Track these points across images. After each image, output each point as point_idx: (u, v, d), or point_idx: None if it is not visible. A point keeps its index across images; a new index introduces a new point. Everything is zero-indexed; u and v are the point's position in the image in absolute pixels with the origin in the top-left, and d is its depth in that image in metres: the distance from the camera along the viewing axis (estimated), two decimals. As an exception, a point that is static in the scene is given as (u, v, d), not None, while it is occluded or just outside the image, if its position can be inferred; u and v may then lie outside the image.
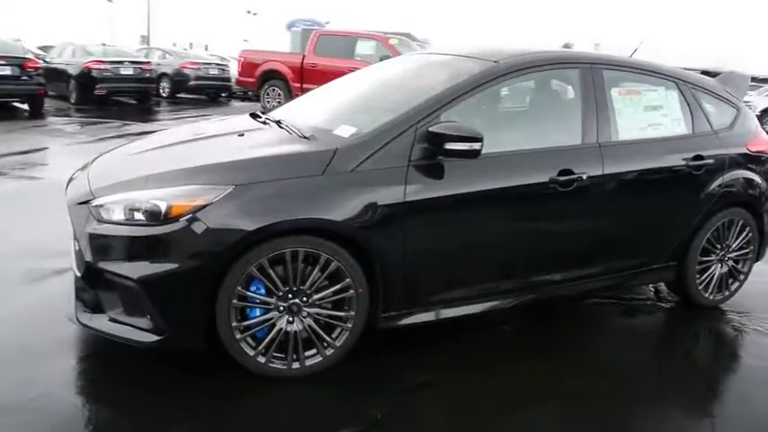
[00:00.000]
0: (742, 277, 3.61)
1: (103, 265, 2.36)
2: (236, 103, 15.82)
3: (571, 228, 2.98)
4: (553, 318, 3.31)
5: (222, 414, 2.28)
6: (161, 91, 15.06)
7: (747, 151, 3.50)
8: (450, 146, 2.48)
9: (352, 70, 14.43)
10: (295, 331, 2.46)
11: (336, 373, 2.53)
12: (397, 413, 2.34)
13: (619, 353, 3.01)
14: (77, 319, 2.48)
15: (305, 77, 12.94)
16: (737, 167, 3.43)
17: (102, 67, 12.47)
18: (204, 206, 2.28)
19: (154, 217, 2.29)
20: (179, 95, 15.37)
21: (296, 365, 2.49)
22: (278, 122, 3.02)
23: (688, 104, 3.39)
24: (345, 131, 2.64)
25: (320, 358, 2.52)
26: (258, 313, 2.42)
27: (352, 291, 2.49)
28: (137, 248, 2.32)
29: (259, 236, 2.30)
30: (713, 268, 3.49)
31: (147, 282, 2.27)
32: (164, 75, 15.03)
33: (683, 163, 3.23)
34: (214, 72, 15.57)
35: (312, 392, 2.45)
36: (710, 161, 3.30)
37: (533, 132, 2.95)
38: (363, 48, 12.30)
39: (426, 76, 3.11)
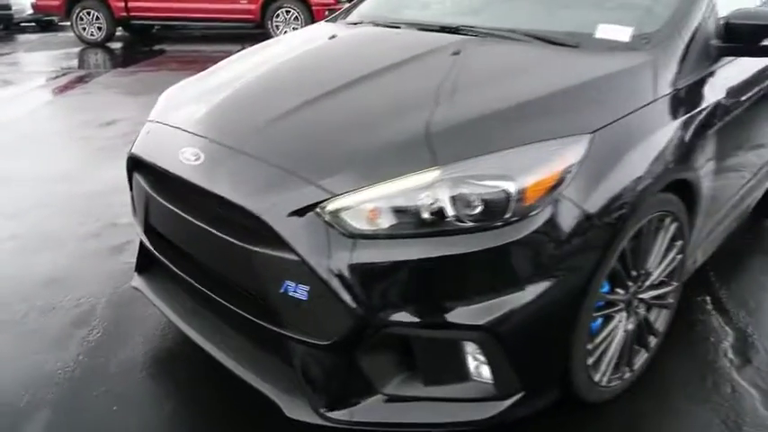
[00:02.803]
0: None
1: (396, 315, 1.33)
2: (23, 37, 12.31)
3: None
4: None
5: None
6: None
7: None
8: None
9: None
10: (631, 330, 1.73)
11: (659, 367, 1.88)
12: None
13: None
14: (324, 417, 1.43)
15: (129, -7, 10.43)
16: None
17: None
18: (566, 177, 1.36)
19: (494, 211, 1.31)
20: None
21: (627, 375, 1.78)
22: (455, 30, 2.03)
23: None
24: (619, 33, 1.80)
25: (645, 354, 1.84)
26: (600, 322, 1.63)
27: (681, 255, 1.80)
28: (468, 272, 1.33)
29: (635, 206, 1.47)
30: None
31: (500, 324, 1.32)
32: None
33: None
34: (-15, -1, 11.81)
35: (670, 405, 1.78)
36: None
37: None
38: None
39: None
